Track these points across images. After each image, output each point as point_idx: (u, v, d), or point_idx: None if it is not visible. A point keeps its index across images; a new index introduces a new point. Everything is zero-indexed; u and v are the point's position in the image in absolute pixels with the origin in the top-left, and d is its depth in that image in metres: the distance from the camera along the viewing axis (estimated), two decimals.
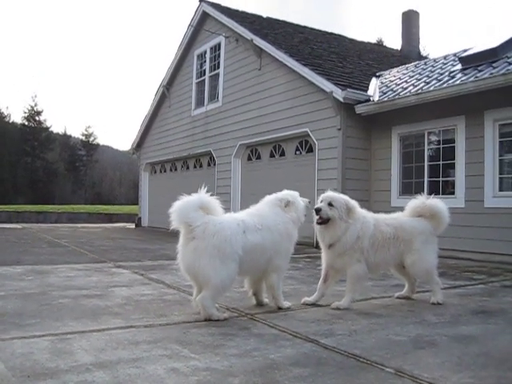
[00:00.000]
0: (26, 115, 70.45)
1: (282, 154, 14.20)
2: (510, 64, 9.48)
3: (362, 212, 5.18)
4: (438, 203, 5.46)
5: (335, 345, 3.65)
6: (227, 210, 16.45)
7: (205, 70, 18.22)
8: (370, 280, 5.14)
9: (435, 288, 5.30)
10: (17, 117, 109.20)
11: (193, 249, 4.36)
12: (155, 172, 22.76)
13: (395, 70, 14.18)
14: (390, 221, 5.34)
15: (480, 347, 3.68)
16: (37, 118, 71.09)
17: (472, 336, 3.99)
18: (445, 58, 12.97)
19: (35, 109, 71.08)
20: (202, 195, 4.71)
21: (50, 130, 73.43)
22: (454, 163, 10.51)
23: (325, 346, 3.63)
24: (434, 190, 10.82)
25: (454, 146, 10.53)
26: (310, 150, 12.97)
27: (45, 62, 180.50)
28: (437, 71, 11.81)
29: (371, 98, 11.71)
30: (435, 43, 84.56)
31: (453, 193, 10.52)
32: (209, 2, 17.72)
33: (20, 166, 65.47)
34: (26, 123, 70.37)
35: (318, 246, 5.32)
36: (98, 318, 4.41)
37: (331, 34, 20.06)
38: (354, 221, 4.99)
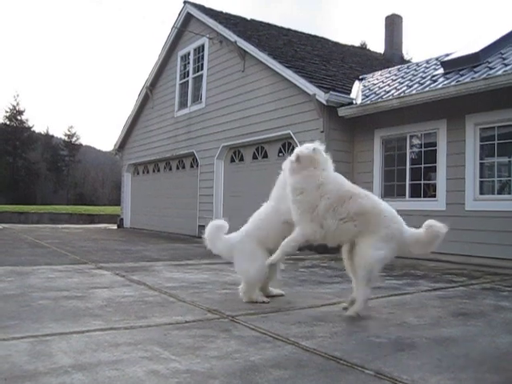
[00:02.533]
0: (8, 114, 69.87)
1: (265, 155, 14.21)
2: (491, 69, 9.58)
3: None
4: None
5: (316, 347, 3.65)
6: (209, 211, 16.29)
7: (188, 72, 18.20)
8: (351, 282, 5.15)
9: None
10: None
11: None
12: (138, 173, 22.66)
13: (378, 73, 14.27)
14: None
15: (459, 349, 3.71)
16: (18, 118, 70.54)
17: (452, 338, 4.02)
18: (427, 62, 13.07)
19: (17, 108, 70.56)
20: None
21: (32, 129, 73.00)
22: (435, 166, 10.59)
23: (305, 348, 3.64)
24: (415, 193, 10.92)
25: (435, 150, 10.61)
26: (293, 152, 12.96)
27: (27, 62, 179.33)
28: (419, 75, 11.90)
29: (354, 101, 11.75)
30: (418, 47, 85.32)
31: (434, 196, 10.59)
32: (193, 4, 17.69)
33: (1, 165, 64.87)
34: (8, 123, 69.75)
35: (300, 249, 5.29)
36: (78, 320, 4.38)
37: (315, 36, 20.13)
38: None
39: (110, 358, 3.32)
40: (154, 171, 21.13)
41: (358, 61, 17.91)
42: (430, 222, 5.02)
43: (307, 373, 3.10)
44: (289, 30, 19.44)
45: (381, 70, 14.93)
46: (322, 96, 11.45)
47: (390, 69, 14.48)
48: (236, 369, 3.15)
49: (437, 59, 12.51)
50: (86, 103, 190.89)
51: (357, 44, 32.78)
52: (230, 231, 5.55)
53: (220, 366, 3.19)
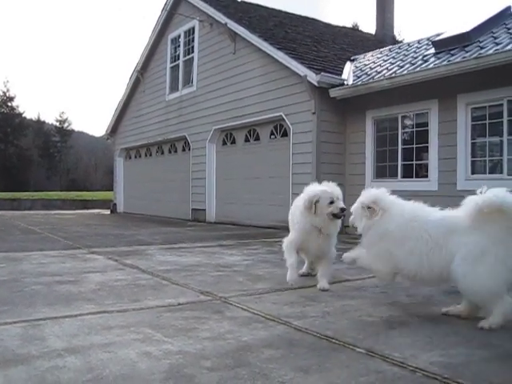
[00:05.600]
0: None
1: (257, 138, 14.19)
2: (482, 48, 9.56)
3: None
4: None
5: (308, 326, 3.67)
6: (202, 194, 16.26)
7: (179, 55, 18.08)
8: (344, 263, 5.15)
9: None
10: None
11: None
12: (130, 157, 22.59)
13: (370, 54, 14.20)
14: None
15: (450, 326, 3.74)
16: (9, 104, 70.09)
17: (443, 316, 4.04)
18: (418, 42, 13.03)
19: (7, 94, 70.11)
20: None
21: (24, 116, 72.60)
22: (427, 146, 10.60)
23: (297, 327, 3.65)
24: (407, 174, 10.95)
25: (427, 130, 10.61)
26: (285, 134, 12.97)
27: (17, 47, 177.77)
28: (410, 55, 11.87)
29: (345, 82, 11.72)
30: (410, 28, 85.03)
31: (426, 176, 10.61)
32: None
33: None
34: None
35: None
36: (71, 304, 4.38)
37: (306, 17, 20.01)
38: None
39: (102, 340, 3.33)
40: (146, 155, 21.07)
41: (350, 42, 17.83)
42: None
43: (299, 352, 3.12)
44: (279, 11, 19.31)
45: (372, 50, 14.85)
46: (313, 77, 11.40)
47: (381, 49, 14.42)
48: (228, 349, 3.16)
49: (428, 39, 12.47)
50: (78, 88, 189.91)
51: (348, 25, 32.71)
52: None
53: (212, 347, 3.20)
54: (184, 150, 17.77)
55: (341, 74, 12.16)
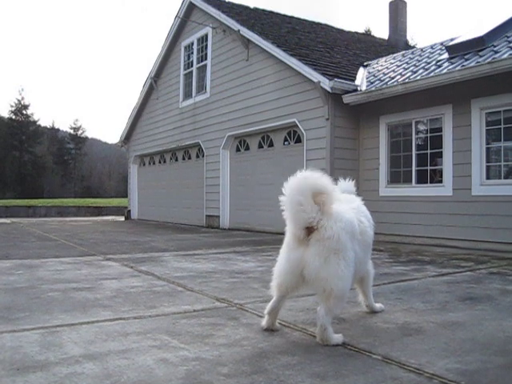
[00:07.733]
0: (13, 109, 69.96)
1: (271, 144, 14.21)
2: (496, 52, 9.52)
3: None
4: None
5: None
6: (216, 200, 16.29)
7: (192, 62, 18.18)
8: None
9: None
10: (3, 111, 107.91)
11: None
12: (144, 164, 22.71)
13: (383, 59, 14.20)
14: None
15: (466, 333, 3.72)
16: (24, 112, 70.66)
17: (459, 322, 4.03)
18: (432, 47, 13.00)
19: (22, 102, 70.64)
20: None
21: (38, 123, 73.13)
22: (441, 152, 10.56)
23: (313, 334, 3.65)
24: (421, 179, 10.91)
25: (441, 135, 10.57)
26: (299, 140, 12.99)
27: (31, 56, 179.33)
28: (424, 60, 11.84)
29: (359, 88, 11.73)
30: (423, 33, 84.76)
31: (440, 181, 10.57)
32: None
33: (8, 160, 65.09)
34: (13, 117, 69.88)
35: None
36: (88, 311, 4.42)
37: (318, 23, 20.05)
38: None
39: (119, 347, 3.36)
40: (160, 162, 21.17)
41: (363, 47, 17.84)
42: None
43: (315, 358, 3.13)
44: (292, 17, 19.38)
45: (385, 56, 14.85)
46: (326, 83, 11.42)
47: (394, 55, 14.41)
48: (245, 356, 3.18)
49: (441, 44, 12.45)
50: (91, 96, 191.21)
51: (361, 30, 32.66)
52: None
53: (229, 354, 3.22)
54: (198, 156, 17.85)
55: (354, 80, 12.17)
